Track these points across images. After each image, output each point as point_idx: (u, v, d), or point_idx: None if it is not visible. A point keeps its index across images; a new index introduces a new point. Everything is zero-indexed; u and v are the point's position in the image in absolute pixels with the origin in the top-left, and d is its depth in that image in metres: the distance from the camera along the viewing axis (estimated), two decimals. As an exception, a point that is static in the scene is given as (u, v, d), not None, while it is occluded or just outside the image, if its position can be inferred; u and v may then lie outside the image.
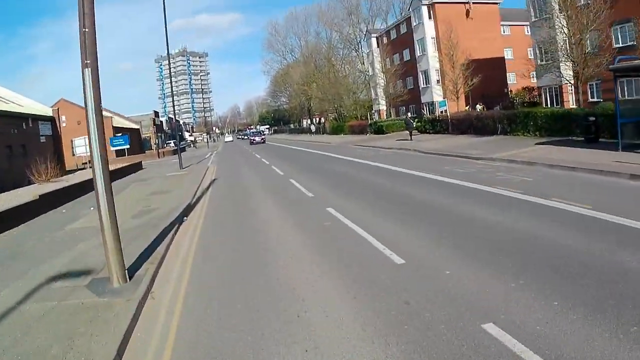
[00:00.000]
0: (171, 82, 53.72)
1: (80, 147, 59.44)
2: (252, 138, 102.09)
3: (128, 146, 78.90)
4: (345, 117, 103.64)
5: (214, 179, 34.07)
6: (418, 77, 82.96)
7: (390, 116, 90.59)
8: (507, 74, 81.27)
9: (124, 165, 50.41)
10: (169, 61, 53.43)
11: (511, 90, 78.08)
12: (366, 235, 13.36)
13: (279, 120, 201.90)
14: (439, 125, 54.05)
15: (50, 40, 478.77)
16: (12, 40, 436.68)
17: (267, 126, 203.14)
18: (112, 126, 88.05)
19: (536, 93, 62.84)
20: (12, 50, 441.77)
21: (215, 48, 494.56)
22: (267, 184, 28.44)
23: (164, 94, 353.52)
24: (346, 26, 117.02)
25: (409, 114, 50.76)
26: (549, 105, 53.66)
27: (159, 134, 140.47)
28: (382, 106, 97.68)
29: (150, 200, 25.32)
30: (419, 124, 58.95)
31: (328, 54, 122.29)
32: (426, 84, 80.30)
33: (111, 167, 38.59)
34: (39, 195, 25.22)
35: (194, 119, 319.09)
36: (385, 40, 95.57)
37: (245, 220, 18.18)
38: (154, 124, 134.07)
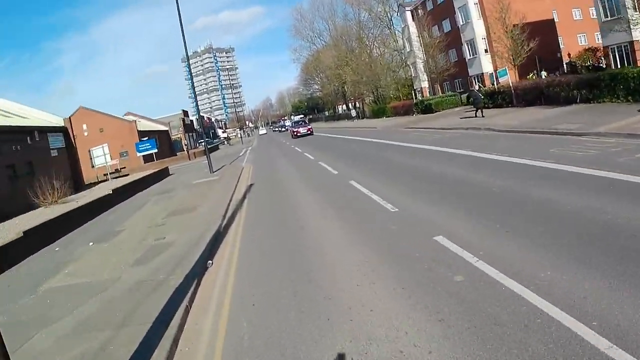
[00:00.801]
0: (192, 79, 47.40)
1: (99, 157, 53.59)
2: (295, 130, 76.42)
3: (155, 150, 73.56)
4: (385, 99, 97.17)
5: (250, 185, 27.90)
6: (463, 49, 75.57)
7: (434, 93, 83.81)
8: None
9: (146, 174, 44.30)
10: (188, 61, 46.82)
11: (569, 54, 70.61)
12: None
13: (313, 108, 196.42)
14: (500, 98, 46.99)
15: (75, 52, 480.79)
16: (37, 56, 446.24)
17: (302, 115, 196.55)
18: (137, 130, 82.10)
19: (602, 54, 55.51)
20: (38, 66, 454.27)
21: (241, 43, 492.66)
22: (320, 190, 21.59)
23: (194, 92, 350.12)
24: (375, 3, 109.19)
25: (478, 85, 43.57)
26: (618, 66, 46.70)
27: (190, 134, 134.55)
28: (424, 83, 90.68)
29: (167, 227, 18.90)
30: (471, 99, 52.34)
31: (359, 34, 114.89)
32: (473, 55, 72.96)
33: (132, 177, 32.39)
34: (23, 232, 18.95)
35: (227, 115, 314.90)
36: (421, 12, 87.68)
37: (303, 263, 11.52)
38: (184, 123, 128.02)
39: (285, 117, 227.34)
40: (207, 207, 21.37)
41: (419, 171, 21.30)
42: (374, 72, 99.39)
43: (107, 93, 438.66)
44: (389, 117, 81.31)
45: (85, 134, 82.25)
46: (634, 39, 45.84)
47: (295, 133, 74.94)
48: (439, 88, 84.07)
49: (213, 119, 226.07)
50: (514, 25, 56.72)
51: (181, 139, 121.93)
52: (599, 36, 53.07)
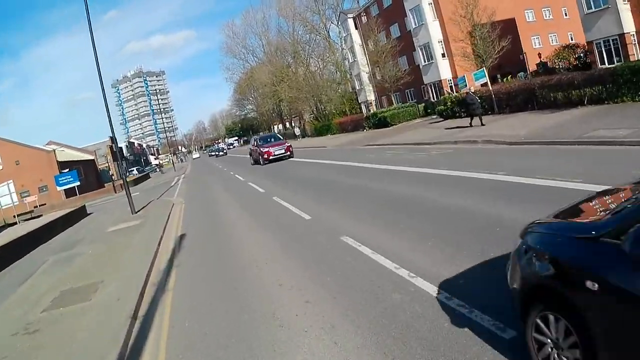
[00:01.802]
0: (105, 107, 38.21)
1: (4, 196, 45.11)
2: (265, 151, 46.88)
3: (78, 183, 64.73)
4: (328, 115, 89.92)
5: (180, 237, 19.84)
6: (416, 55, 69.06)
7: (382, 106, 77.19)
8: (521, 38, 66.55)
9: (57, 216, 35.88)
10: (103, 90, 39.10)
11: (539, 54, 64.44)
12: None
13: (247, 129, 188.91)
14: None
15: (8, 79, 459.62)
16: None
17: (236, 138, 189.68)
18: (57, 161, 73.06)
19: (585, 49, 49.18)
20: None
21: (172, 67, 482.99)
22: (296, 250, 13.37)
23: (125, 118, 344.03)
24: (310, 14, 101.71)
25: (472, 88, 35.79)
26: (605, 64, 40.68)
27: (120, 162, 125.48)
28: (371, 96, 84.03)
29: (40, 337, 10.64)
30: (441, 107, 45.73)
31: (295, 48, 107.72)
32: (428, 60, 66.20)
33: (39, 222, 23.43)
34: None
35: (159, 141, 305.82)
36: (365, 19, 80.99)
37: None
38: (112, 151, 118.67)
39: (219, 140, 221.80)
40: (114, 287, 13.19)
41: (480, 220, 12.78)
42: (314, 87, 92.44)
43: (36, 121, 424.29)
44: (334, 134, 75.16)
45: (0, 167, 73.13)
46: (625, 32, 39.60)
47: (265, 156, 46.12)
48: (387, 100, 77.46)
49: (144, 145, 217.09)
50: (482, 24, 50.04)
51: (109, 168, 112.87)
52: (555, 38, 47.14)
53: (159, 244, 18.30)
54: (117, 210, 37.12)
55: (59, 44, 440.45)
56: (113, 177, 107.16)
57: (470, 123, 33.94)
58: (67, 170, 69.32)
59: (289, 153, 46.64)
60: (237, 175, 41.08)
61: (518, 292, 5.62)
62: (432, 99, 64.19)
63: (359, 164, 28.98)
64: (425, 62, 66.78)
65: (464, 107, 35.14)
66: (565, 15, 71.39)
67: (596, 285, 4.29)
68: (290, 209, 19.31)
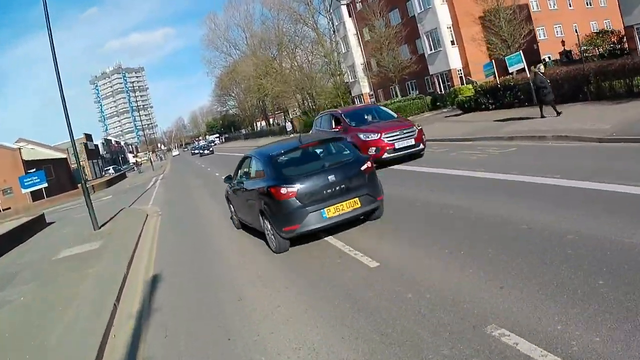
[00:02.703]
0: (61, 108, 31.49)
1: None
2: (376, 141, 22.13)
3: (45, 185, 58.07)
4: (318, 109, 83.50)
5: (153, 279, 13.14)
6: (420, 43, 62.58)
7: (378, 100, 71.33)
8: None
9: (5, 230, 29.20)
10: (62, 91, 32.48)
11: (562, 42, 58.50)
12: None
13: (229, 126, 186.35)
14: (509, 95, 34.09)
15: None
16: None
17: (217, 135, 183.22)
18: (23, 160, 66.01)
19: (621, 35, 43.45)
20: None
21: (152, 65, 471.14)
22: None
23: (104, 116, 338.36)
24: (297, 4, 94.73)
25: (543, 61, 28.79)
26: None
27: (95, 161, 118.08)
28: (365, 89, 77.69)
29: None
30: (461, 97, 39.86)
31: (281, 40, 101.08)
32: (435, 48, 59.67)
33: None
34: None
35: (138, 138, 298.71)
36: (360, 5, 74.39)
37: None
38: (87, 149, 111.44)
39: (200, 138, 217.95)
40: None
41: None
42: (302, 80, 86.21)
43: (10, 121, 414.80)
44: None
45: None
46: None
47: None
48: (385, 93, 71.32)
49: (122, 143, 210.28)
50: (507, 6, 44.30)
51: (84, 166, 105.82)
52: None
53: (119, 296, 11.74)
54: (80, 221, 30.64)
55: (33, 41, 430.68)
56: (86, 177, 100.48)
57: (542, 113, 26.10)
58: (34, 170, 62.48)
59: (421, 145, 22.99)
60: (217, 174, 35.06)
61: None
62: (438, 91, 58.09)
63: (408, 167, 21.41)
64: (431, 50, 60.31)
65: (534, 91, 27.19)
66: (570, 5, 68.15)
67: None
68: (345, 251, 11.00)
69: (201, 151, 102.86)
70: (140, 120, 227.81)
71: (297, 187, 11.53)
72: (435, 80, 60.77)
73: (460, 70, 56.41)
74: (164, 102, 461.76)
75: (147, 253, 16.85)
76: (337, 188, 11.57)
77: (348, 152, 13.04)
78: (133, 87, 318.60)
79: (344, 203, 11.56)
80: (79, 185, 71.62)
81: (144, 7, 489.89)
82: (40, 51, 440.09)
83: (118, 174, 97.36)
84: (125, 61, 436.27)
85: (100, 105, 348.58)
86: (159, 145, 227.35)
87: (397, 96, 62.27)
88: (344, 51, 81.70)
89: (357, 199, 11.70)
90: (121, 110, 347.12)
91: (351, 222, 12.28)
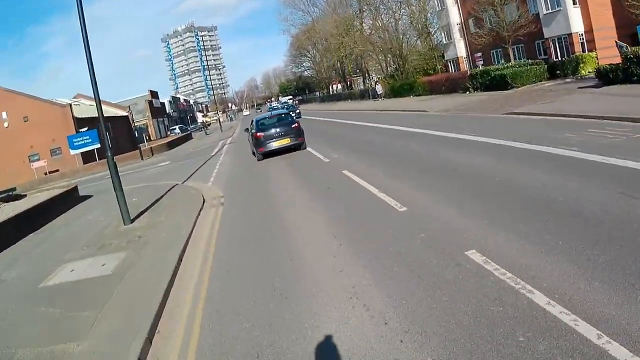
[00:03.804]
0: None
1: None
2: None
3: (98, 145, 51.37)
4: (407, 72, 74.88)
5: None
6: (533, 1, 52.61)
7: (473, 65, 61.94)
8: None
9: (22, 209, 21.87)
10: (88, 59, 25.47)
11: None
12: None
13: (303, 89, 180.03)
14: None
15: (59, 37, 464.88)
16: (24, 41, 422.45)
17: (290, 97, 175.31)
18: (74, 117, 59.07)
19: None
20: (24, 50, 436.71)
21: (226, 26, 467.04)
22: None
23: (175, 74, 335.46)
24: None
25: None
26: None
27: (160, 119, 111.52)
28: (462, 52, 68.51)
29: None
30: (605, 66, 31.25)
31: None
32: (552, 8, 49.87)
33: None
34: None
35: (209, 98, 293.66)
36: (461, -47, 64.61)
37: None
38: (151, 107, 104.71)
39: (272, 99, 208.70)
40: None
41: None
42: (390, 40, 77.65)
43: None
44: (419, 95, 60.16)
45: (5, 124, 59.98)
46: None
47: None
48: (483, 57, 62.11)
49: (192, 101, 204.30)
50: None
51: (147, 125, 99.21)
52: None
53: None
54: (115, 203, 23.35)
55: (109, 1, 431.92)
56: (150, 137, 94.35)
57: None
58: (86, 129, 55.61)
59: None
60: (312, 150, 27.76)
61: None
62: (553, 58, 48.84)
63: (595, 156, 13.17)
64: (547, 9, 50.63)
65: None
66: None
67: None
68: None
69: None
70: (210, 80, 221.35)
71: (262, 133, 28.23)
72: (551, 45, 51.25)
73: (582, 35, 46.93)
74: (236, 62, 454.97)
75: (190, 304, 9.01)
76: (281, 134, 28.08)
77: (289, 118, 30.15)
78: (204, 46, 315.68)
79: (282, 140, 27.97)
80: (141, 145, 65.24)
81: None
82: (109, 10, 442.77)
83: (183, 134, 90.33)
84: (198, 21, 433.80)
85: (172, 63, 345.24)
86: (229, 105, 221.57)
87: (510, 59, 52.73)
88: (438, 9, 72.31)
89: (288, 138, 28.02)
90: (192, 69, 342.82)
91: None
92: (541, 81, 42.98)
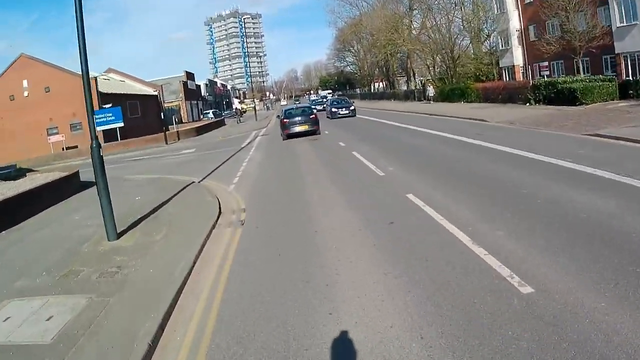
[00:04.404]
0: None
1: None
2: None
3: (121, 124, 47.36)
4: (459, 76, 70.41)
5: None
6: (605, 12, 47.24)
7: (532, 76, 57.55)
8: None
9: (18, 191, 18.16)
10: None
11: None
12: None
13: (344, 84, 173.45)
14: None
15: (100, 13, 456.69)
16: (63, 14, 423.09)
17: (330, 91, 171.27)
18: (99, 92, 55.14)
19: None
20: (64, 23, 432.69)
21: (270, 15, 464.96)
22: None
23: (215, 58, 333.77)
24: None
25: None
26: None
27: (194, 102, 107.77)
28: (519, 60, 63.83)
29: None
30: None
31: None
32: (629, 21, 44.73)
33: None
34: None
35: (247, 84, 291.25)
36: (530, -47, 59.67)
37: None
38: (185, 88, 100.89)
39: (312, 91, 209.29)
40: None
41: None
42: (442, 41, 73.38)
43: (130, 57, 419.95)
44: (471, 102, 56.01)
45: (25, 93, 56.49)
46: None
47: None
48: (539, 67, 57.47)
49: (229, 87, 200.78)
50: None
51: (179, 107, 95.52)
52: None
53: None
54: (124, 192, 19.24)
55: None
56: (182, 120, 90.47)
57: None
58: (110, 105, 51.69)
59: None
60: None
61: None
62: (624, 76, 43.95)
63: None
64: (622, 22, 45.53)
65: None
66: None
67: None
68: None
69: (334, 110, 59.04)
70: (249, 67, 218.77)
71: (288, 120, 38.43)
72: (622, 61, 46.30)
73: (672, 52, 42.12)
74: (278, 52, 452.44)
75: None
76: (302, 121, 37.88)
77: (309, 110, 40.45)
78: (245, 33, 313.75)
79: (302, 126, 37.57)
80: (171, 127, 61.48)
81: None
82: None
83: (217, 119, 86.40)
84: (243, 7, 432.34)
85: (213, 47, 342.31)
86: (267, 94, 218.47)
87: (574, 73, 47.90)
88: (496, 12, 67.34)
89: (307, 125, 37.53)
90: (233, 55, 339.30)
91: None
92: (612, 100, 38.36)
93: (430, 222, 11.23)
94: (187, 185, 19.74)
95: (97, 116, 48.36)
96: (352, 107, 57.12)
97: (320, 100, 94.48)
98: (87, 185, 23.14)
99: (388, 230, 10.96)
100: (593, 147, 19.18)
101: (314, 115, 38.73)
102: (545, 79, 44.93)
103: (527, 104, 42.89)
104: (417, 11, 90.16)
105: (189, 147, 43.34)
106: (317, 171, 21.11)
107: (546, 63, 48.71)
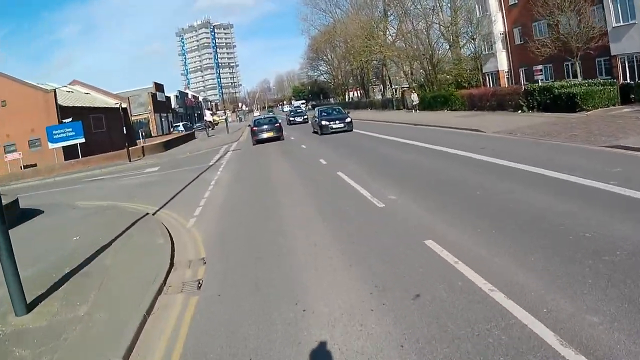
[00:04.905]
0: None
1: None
2: None
3: (82, 140, 43.86)
4: (440, 83, 67.55)
5: None
6: (598, 11, 44.07)
7: (516, 81, 56.61)
8: None
9: None
10: None
11: None
12: None
13: (317, 94, 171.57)
14: None
15: (72, 26, 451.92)
16: (35, 27, 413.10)
17: (303, 101, 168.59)
18: (58, 105, 51.16)
19: None
20: (36, 37, 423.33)
21: (242, 25, 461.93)
22: None
23: (187, 69, 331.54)
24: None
25: None
26: None
27: (164, 114, 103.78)
28: (504, 65, 60.96)
29: None
30: None
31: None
32: (627, 19, 41.66)
33: None
34: None
35: (220, 96, 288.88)
36: (511, -44, 56.90)
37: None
38: (154, 100, 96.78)
39: (285, 102, 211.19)
40: None
41: None
42: (422, 46, 70.47)
43: (102, 69, 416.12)
44: (454, 110, 53.29)
45: (-19, 110, 52.33)
46: None
47: None
48: (524, 74, 54.81)
49: (201, 98, 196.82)
50: None
51: (149, 120, 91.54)
52: None
53: None
54: (58, 226, 15.78)
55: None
56: (151, 133, 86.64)
57: None
58: (69, 120, 47.72)
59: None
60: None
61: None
62: (622, 79, 40.90)
63: None
64: (618, 22, 42.40)
65: None
66: None
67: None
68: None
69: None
70: (220, 78, 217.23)
71: (257, 128, 46.55)
72: (619, 63, 43.34)
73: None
74: (250, 62, 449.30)
75: None
76: (268, 129, 45.68)
77: (275, 120, 48.67)
78: (217, 44, 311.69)
79: (269, 133, 45.10)
80: (139, 141, 57.55)
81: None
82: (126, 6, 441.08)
83: (187, 132, 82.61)
84: (215, 17, 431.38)
85: (185, 58, 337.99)
86: (240, 105, 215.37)
87: (575, 76, 44.51)
88: (479, 15, 64.16)
89: (272, 132, 45.26)
90: (205, 66, 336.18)
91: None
92: (614, 105, 35.24)
93: (475, 296, 7.48)
94: (139, 219, 16.09)
95: (55, 131, 44.95)
96: (347, 120, 45.38)
97: (301, 111, 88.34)
98: (29, 214, 19.65)
99: (418, 313, 7.24)
100: (624, 162, 16.03)
101: (278, 124, 46.20)
102: (540, 83, 41.50)
103: (519, 112, 40.00)
104: (392, 17, 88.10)
105: (154, 164, 39.52)
106: (301, 199, 17.40)
107: (540, 67, 45.25)
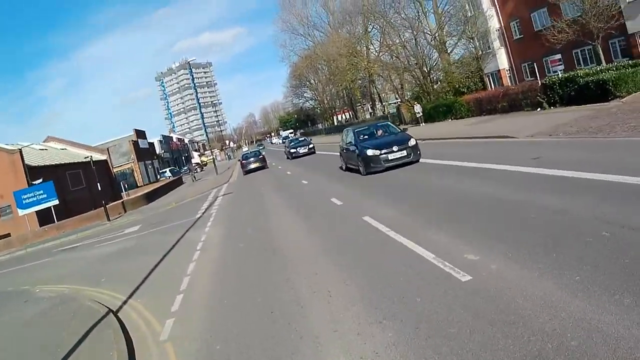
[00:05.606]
0: None
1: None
2: None
3: (55, 202, 39.18)
4: (437, 93, 63.86)
5: None
6: None
7: (517, 79, 53.40)
8: None
9: None
10: None
11: None
12: None
13: (304, 121, 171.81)
14: None
15: (61, 80, 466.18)
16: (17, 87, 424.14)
17: (291, 130, 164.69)
18: (25, 166, 46.36)
19: None
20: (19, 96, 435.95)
21: (221, 63, 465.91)
22: None
23: (170, 113, 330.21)
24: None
25: None
26: None
27: (149, 162, 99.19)
28: (504, 64, 57.08)
29: None
30: None
31: (370, 11, 79.11)
32: None
33: None
34: None
35: (206, 135, 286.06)
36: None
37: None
38: (136, 148, 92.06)
39: (272, 134, 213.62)
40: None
41: None
42: (417, 55, 66.85)
43: (85, 123, 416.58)
44: (460, 118, 49.68)
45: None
46: None
47: None
48: (529, 69, 50.71)
49: (187, 140, 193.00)
50: None
51: (133, 170, 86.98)
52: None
53: None
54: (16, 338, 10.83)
55: (106, 43, 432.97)
56: (137, 183, 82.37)
57: None
58: (40, 181, 42.81)
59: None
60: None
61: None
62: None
63: None
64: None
65: None
66: None
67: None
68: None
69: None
70: (203, 119, 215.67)
71: (245, 161, 56.06)
72: (638, 42, 39.13)
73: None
74: (233, 98, 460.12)
75: None
76: (255, 160, 55.35)
77: (259, 153, 58.94)
78: (197, 84, 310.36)
79: (255, 163, 54.51)
80: (124, 193, 52.70)
81: (214, 7, 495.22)
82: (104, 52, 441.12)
83: (175, 178, 77.79)
84: (194, 56, 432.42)
85: (167, 102, 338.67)
86: (227, 142, 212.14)
87: (594, 62, 40.05)
88: (470, 13, 59.89)
89: (258, 163, 54.62)
90: (188, 107, 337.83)
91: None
92: (644, 91, 30.67)
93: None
94: (95, 325, 11.03)
95: (24, 195, 40.18)
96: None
97: (303, 139, 77.49)
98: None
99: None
100: None
101: (262, 156, 55.51)
102: (560, 75, 36.75)
103: (539, 109, 35.43)
104: (375, 30, 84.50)
105: (135, 222, 34.52)
106: (326, 267, 11.23)
107: (558, 56, 40.75)
